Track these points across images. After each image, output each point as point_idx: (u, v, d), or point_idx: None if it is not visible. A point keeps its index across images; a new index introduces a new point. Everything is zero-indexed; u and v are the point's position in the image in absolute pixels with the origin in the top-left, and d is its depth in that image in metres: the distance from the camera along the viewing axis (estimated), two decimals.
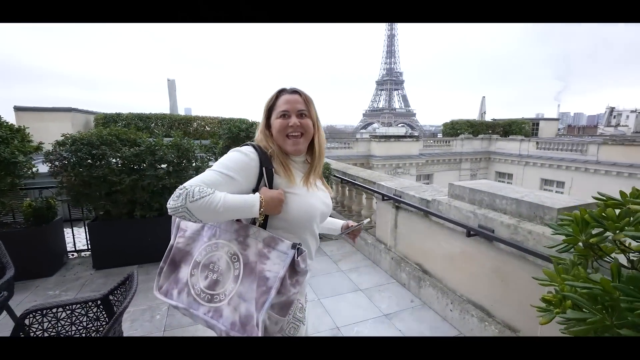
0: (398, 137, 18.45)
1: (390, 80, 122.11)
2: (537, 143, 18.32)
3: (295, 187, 1.05)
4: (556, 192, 17.33)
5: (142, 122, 11.91)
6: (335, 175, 4.99)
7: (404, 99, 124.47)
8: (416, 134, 25.90)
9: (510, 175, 19.97)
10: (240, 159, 1.00)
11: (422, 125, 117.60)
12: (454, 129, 22.88)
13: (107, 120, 11.68)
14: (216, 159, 2.40)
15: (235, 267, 0.96)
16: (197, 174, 1.58)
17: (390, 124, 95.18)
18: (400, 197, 3.25)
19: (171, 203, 0.86)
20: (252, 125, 5.12)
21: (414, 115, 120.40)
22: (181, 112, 18.18)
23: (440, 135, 27.93)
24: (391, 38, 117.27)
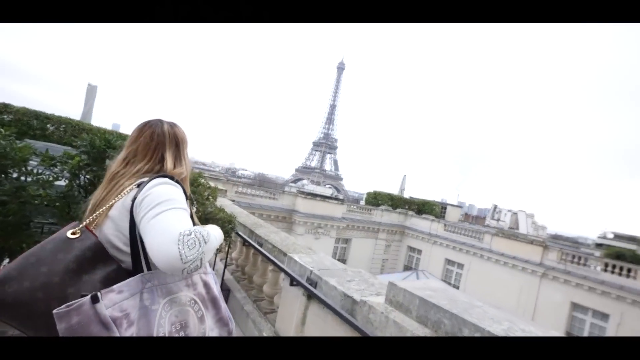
0: (324, 197, 18.32)
1: (326, 144, 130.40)
2: (445, 225, 19.83)
3: None
4: (456, 273, 18.45)
5: (38, 121, 10.22)
6: (238, 233, 3.80)
7: (335, 163, 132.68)
8: (341, 197, 26.39)
9: (419, 251, 20.92)
10: (179, 191, 1.00)
11: (348, 190, 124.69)
12: (375, 199, 23.92)
13: None
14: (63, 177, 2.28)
15: (195, 309, 0.97)
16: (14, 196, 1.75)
17: (319, 183, 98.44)
18: (316, 284, 2.24)
19: (189, 253, 0.82)
20: (124, 138, 3.74)
21: (342, 179, 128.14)
22: (104, 124, 15.34)
23: (362, 203, 29.00)
24: (332, 107, 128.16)
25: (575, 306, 13.59)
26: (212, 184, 4.21)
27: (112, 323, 0.78)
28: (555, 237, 28.61)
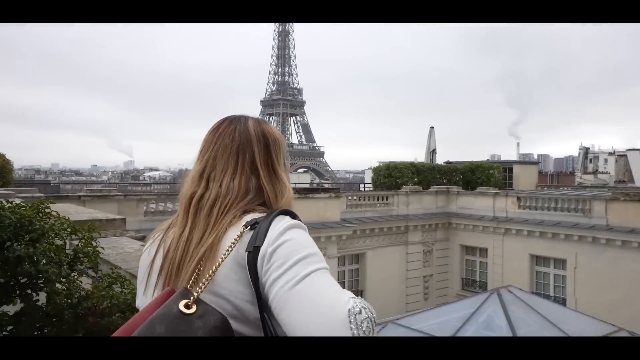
0: (305, 192, 17.92)
1: (284, 101, 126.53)
2: (519, 198, 19.05)
3: None
4: (555, 277, 17.44)
5: None
6: None
7: (305, 128, 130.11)
8: (333, 187, 25.10)
9: (482, 251, 20.36)
10: (313, 240, 1.17)
11: (335, 170, 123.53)
12: (390, 176, 23.09)
13: None
14: None
15: None
16: None
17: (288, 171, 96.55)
18: None
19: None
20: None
21: (322, 155, 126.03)
22: None
23: (367, 187, 27.70)
24: (283, 36, 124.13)
25: None
26: (91, 211, 4.80)
27: None
28: None
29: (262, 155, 1.29)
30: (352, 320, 0.93)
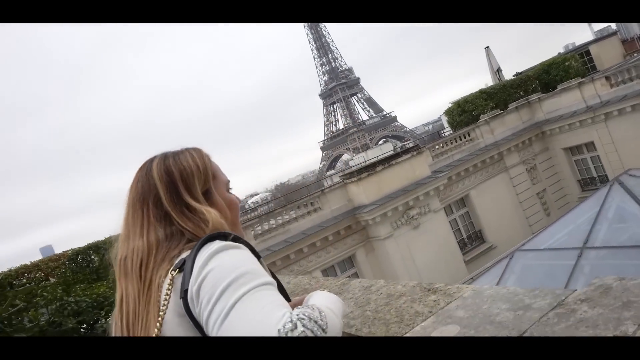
0: (388, 161, 17.82)
1: (339, 86, 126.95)
2: (609, 78, 17.67)
3: None
4: None
5: None
6: None
7: (370, 102, 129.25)
8: (412, 144, 24.87)
9: (590, 146, 19.25)
10: (249, 255, 1.10)
11: (413, 129, 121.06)
12: (466, 113, 22.63)
13: None
14: None
15: None
16: None
17: (368, 146, 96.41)
18: None
19: None
20: None
21: (395, 120, 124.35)
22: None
23: (448, 131, 27.02)
24: (315, 28, 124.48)
25: None
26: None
27: None
28: None
29: (167, 196, 1.20)
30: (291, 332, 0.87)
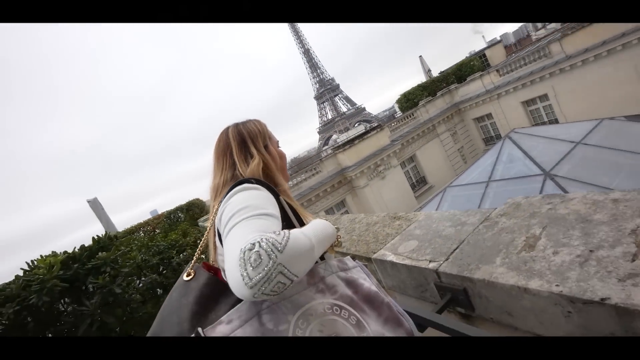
0: (362, 136, 17.48)
1: (326, 90, 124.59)
2: (498, 70, 17.60)
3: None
4: (544, 107, 16.29)
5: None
6: None
7: (347, 100, 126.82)
8: (376, 124, 24.98)
9: (488, 116, 19.16)
10: (260, 194, 0.91)
11: (376, 114, 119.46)
12: (410, 101, 22.35)
13: None
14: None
15: (345, 316, 0.84)
16: None
17: (347, 128, 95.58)
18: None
19: (252, 274, 0.67)
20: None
21: (364, 109, 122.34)
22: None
23: (399, 114, 27.15)
24: (307, 53, 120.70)
25: None
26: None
27: None
28: None
29: (237, 149, 1.12)
30: (241, 257, 0.68)
